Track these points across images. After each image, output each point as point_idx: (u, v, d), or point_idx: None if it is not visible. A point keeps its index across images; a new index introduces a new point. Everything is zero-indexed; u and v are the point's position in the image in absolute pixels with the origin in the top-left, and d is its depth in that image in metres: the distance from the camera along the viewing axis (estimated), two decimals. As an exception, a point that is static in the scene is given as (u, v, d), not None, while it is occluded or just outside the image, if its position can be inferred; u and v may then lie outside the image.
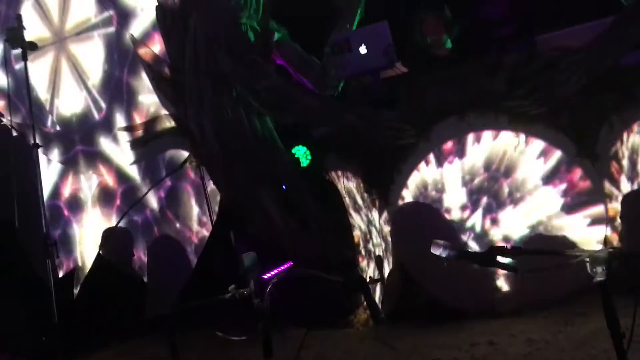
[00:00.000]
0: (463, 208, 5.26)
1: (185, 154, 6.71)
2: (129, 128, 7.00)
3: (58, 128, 7.60)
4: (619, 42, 4.95)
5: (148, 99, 6.92)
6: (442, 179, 5.29)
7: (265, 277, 6.21)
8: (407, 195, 5.41)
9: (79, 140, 7.48)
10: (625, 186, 5.02)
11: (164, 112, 6.69)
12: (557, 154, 5.03)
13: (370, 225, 5.73)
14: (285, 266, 6.25)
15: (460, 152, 5.25)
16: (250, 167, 6.08)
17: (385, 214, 5.49)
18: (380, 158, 5.50)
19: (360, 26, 6.46)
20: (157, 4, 6.38)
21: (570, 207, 5.02)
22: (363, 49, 5.98)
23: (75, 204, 7.60)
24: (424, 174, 5.36)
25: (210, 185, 6.57)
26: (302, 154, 6.91)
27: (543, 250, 4.48)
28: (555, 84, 5.03)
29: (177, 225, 6.94)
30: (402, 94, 5.57)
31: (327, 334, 5.25)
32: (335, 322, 5.47)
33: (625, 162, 5.01)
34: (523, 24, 5.93)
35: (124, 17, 6.97)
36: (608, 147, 5.01)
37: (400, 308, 5.23)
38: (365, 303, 5.10)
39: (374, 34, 5.97)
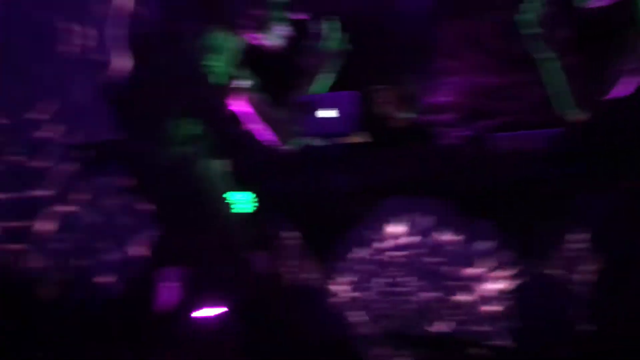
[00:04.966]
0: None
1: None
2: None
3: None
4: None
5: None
6: (382, 256, 5.39)
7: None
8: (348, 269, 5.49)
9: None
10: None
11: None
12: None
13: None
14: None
15: (399, 233, 5.37)
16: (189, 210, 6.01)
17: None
18: (325, 224, 5.57)
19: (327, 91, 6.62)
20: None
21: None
22: (329, 113, 6.13)
23: None
24: (364, 249, 5.46)
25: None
26: (248, 200, 6.87)
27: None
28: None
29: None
30: (358, 163, 5.71)
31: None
32: None
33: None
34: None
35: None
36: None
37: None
38: None
39: (342, 101, 6.13)
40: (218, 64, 6.22)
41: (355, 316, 5.50)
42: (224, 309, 5.97)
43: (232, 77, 6.40)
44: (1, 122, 6.04)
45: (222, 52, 6.24)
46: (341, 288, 5.56)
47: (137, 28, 6.08)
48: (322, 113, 6.20)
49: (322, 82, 6.70)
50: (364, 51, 6.56)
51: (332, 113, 6.17)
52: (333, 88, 6.65)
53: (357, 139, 6.33)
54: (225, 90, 6.31)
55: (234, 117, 6.29)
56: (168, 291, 6.20)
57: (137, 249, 6.12)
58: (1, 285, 5.75)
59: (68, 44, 6.15)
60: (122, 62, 6.02)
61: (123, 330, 5.83)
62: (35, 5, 6.18)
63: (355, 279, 5.56)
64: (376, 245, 5.42)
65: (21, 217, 5.97)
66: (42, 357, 5.69)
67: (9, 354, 5.66)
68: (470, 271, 5.18)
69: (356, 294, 5.55)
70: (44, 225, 5.95)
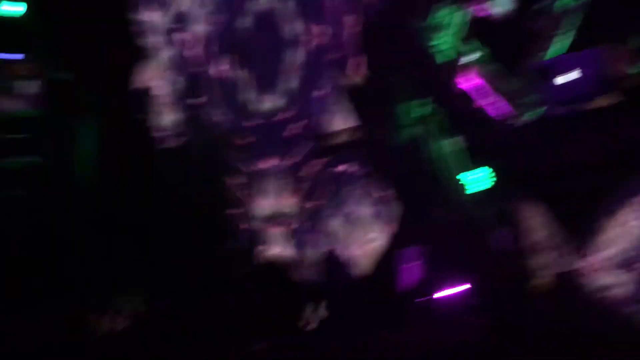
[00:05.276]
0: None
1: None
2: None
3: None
4: None
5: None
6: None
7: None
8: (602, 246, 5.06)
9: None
10: None
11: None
12: None
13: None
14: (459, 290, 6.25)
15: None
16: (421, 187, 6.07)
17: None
18: (571, 198, 5.18)
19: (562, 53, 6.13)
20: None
21: None
22: (570, 76, 5.70)
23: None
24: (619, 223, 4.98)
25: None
26: (485, 176, 6.68)
27: None
28: None
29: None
30: (606, 130, 5.21)
31: None
32: None
33: None
34: None
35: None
36: None
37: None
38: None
39: (584, 61, 5.64)
40: (445, 41, 6.13)
41: (612, 297, 5.07)
42: (466, 287, 5.92)
43: (460, 53, 6.26)
44: (258, 123, 6.60)
45: (448, 28, 6.14)
46: (595, 267, 5.15)
47: (368, 20, 6.28)
48: (562, 78, 5.76)
49: (559, 44, 6.25)
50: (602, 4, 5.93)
51: (573, 75, 5.71)
52: (571, 49, 6.16)
53: (604, 101, 5.79)
54: (454, 67, 6.20)
55: (464, 94, 6.14)
56: (410, 271, 6.33)
57: (380, 232, 6.31)
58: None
59: (308, 44, 6.55)
60: (357, 58, 6.28)
61: (368, 309, 6.07)
62: (272, 12, 6.64)
63: (612, 254, 5.11)
64: (634, 220, 4.91)
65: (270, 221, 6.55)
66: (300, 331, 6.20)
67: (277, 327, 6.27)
68: None
69: (613, 272, 5.10)
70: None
